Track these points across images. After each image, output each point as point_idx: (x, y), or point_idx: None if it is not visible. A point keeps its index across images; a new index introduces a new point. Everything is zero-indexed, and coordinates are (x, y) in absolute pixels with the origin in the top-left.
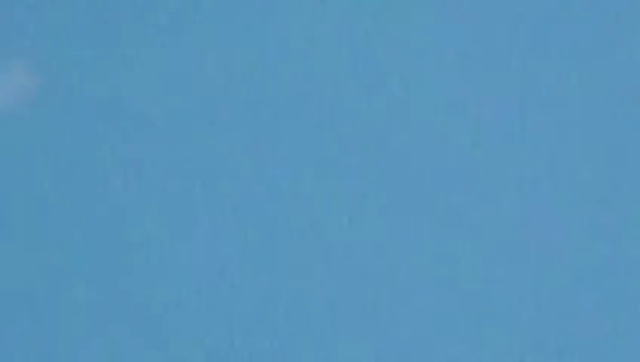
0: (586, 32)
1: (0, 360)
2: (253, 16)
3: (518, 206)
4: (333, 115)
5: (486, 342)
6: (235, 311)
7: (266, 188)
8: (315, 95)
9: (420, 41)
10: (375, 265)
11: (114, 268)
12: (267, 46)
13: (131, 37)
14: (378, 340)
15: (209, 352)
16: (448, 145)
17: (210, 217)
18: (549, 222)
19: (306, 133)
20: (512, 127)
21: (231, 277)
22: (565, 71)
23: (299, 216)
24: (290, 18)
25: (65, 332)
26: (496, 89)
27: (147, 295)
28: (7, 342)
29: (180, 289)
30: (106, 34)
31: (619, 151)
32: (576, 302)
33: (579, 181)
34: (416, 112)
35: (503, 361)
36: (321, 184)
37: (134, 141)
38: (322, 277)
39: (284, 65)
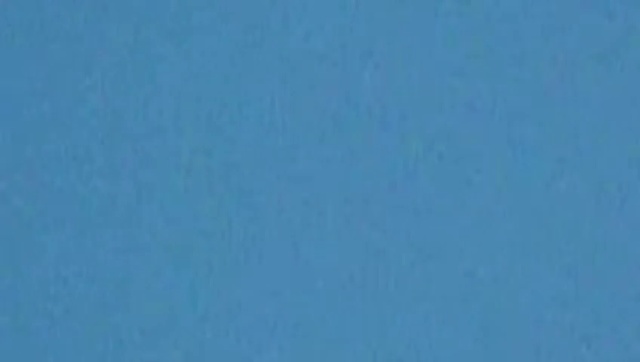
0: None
1: None
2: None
3: (516, 207)
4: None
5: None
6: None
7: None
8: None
9: (420, 43)
10: (372, 265)
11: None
12: (269, 46)
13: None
14: (376, 340)
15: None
16: (450, 146)
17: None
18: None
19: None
20: (511, 130)
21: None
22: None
23: (296, 217)
24: (292, 18)
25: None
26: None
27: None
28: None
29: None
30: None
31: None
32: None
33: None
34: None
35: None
36: (317, 184)
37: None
38: (320, 278)
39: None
